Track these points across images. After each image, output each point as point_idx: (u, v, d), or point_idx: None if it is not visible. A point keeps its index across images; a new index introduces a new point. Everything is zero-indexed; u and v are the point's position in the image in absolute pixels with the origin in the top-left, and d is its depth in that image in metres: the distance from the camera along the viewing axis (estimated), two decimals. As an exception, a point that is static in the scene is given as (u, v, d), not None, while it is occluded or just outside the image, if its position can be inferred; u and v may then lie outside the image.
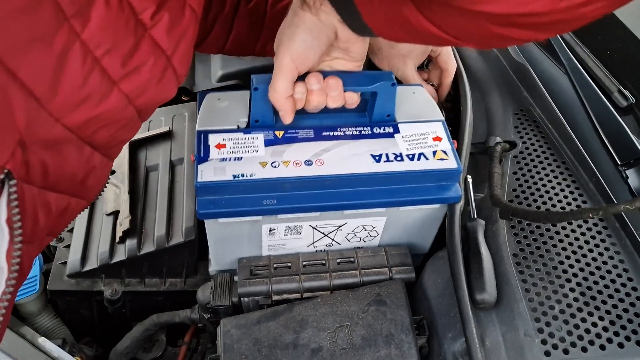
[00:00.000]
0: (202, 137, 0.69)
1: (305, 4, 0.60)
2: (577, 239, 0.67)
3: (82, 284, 0.79)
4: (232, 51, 0.84)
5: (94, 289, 0.79)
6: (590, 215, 0.55)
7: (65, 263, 0.79)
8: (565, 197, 0.71)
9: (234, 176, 0.65)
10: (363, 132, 0.72)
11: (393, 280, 0.71)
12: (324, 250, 0.76)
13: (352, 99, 0.68)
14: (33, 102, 0.39)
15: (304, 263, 0.73)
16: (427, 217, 0.73)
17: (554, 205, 0.71)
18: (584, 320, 0.60)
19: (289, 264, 0.73)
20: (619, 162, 0.71)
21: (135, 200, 0.82)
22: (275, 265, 0.73)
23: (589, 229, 0.68)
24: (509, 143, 0.79)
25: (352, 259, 0.74)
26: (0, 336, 0.45)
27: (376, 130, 0.72)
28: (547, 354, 0.58)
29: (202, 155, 0.67)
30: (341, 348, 0.64)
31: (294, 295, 0.71)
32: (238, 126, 0.71)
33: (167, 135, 0.90)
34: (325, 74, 0.66)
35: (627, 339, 0.59)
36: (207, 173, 0.65)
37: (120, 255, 0.78)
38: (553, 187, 0.73)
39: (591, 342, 0.59)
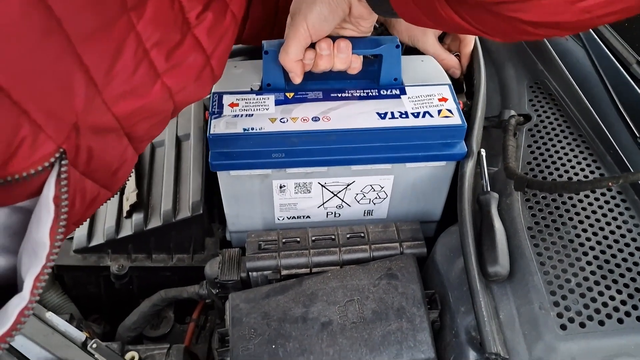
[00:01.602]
0: (217, 97, 0.73)
1: None
2: (594, 211, 0.65)
3: (88, 260, 0.78)
4: (249, 40, 0.84)
5: (101, 264, 0.78)
6: (610, 183, 0.53)
7: (71, 238, 0.78)
8: (582, 169, 0.70)
9: (244, 129, 0.68)
10: (370, 93, 0.74)
11: (404, 254, 0.69)
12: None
13: (356, 63, 0.70)
14: (92, 87, 0.41)
15: (313, 238, 0.72)
16: (435, 177, 0.73)
17: (570, 178, 0.69)
18: (601, 293, 0.59)
19: (298, 239, 0.72)
20: (638, 134, 0.69)
21: (142, 175, 0.81)
22: (284, 240, 0.72)
23: (607, 202, 0.66)
24: (524, 116, 0.77)
25: (362, 234, 0.72)
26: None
27: (383, 92, 0.74)
28: (563, 327, 0.56)
29: (216, 112, 0.71)
30: (352, 322, 0.63)
31: (303, 270, 0.70)
32: (251, 89, 0.74)
33: (173, 111, 0.88)
34: (334, 38, 0.68)
35: (646, 312, 0.57)
36: (219, 126, 0.69)
37: (127, 230, 0.77)
38: (569, 160, 0.71)
39: (608, 316, 0.57)
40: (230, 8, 0.49)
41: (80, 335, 0.68)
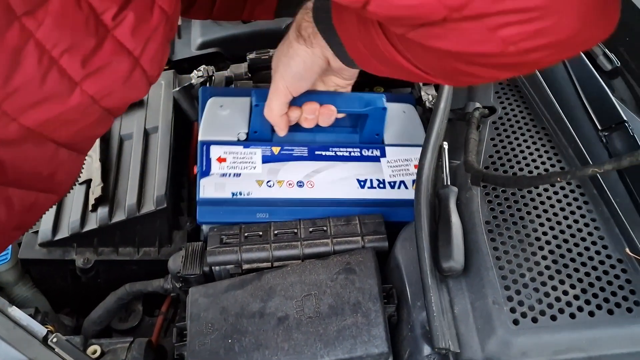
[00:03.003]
0: (205, 149, 0.76)
1: (301, 37, 0.65)
2: (552, 205, 0.65)
3: (54, 253, 0.78)
4: (219, 16, 0.84)
5: (66, 258, 0.78)
6: (559, 179, 0.52)
7: (37, 232, 0.78)
8: (543, 163, 0.69)
9: (233, 194, 0.73)
10: (353, 153, 0.80)
11: (364, 248, 0.69)
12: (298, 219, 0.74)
13: (341, 116, 0.76)
14: None
15: (276, 232, 0.72)
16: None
17: (530, 172, 0.68)
18: (554, 288, 0.58)
19: (260, 233, 0.72)
20: (600, 127, 0.68)
21: (108, 168, 0.81)
22: (246, 234, 0.72)
23: (565, 196, 0.66)
24: (489, 108, 0.76)
25: (324, 228, 0.72)
26: None
27: (364, 152, 0.80)
28: (516, 322, 0.56)
29: (205, 169, 0.74)
30: (308, 317, 0.63)
31: (265, 264, 0.70)
32: (238, 139, 0.77)
33: (141, 104, 0.88)
34: (320, 98, 0.73)
35: (599, 307, 0.57)
36: (208, 189, 0.72)
37: (92, 224, 0.77)
38: (531, 154, 0.70)
39: (561, 311, 0.57)
40: (158, 3, 0.47)
41: (42, 330, 0.68)
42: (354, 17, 0.56)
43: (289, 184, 0.75)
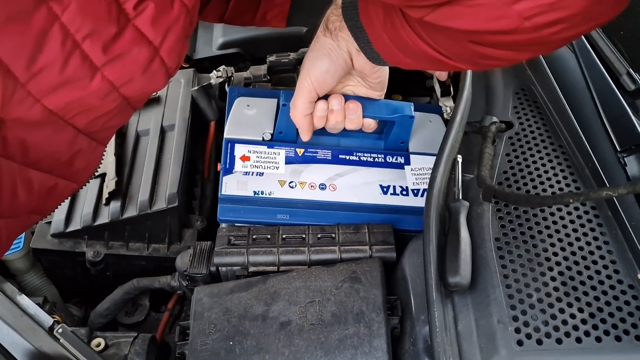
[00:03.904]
0: (229, 147, 0.76)
1: (327, 30, 0.66)
2: (564, 226, 0.63)
3: (65, 244, 0.79)
4: (231, 20, 0.84)
5: (77, 250, 0.79)
6: (571, 200, 0.51)
7: (49, 223, 0.79)
8: (558, 182, 0.68)
9: (255, 192, 0.73)
10: (377, 159, 0.79)
11: (371, 258, 0.69)
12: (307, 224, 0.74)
13: (370, 125, 0.75)
14: (10, 79, 0.40)
15: (284, 236, 0.72)
16: None
17: (544, 190, 0.67)
18: (562, 310, 0.57)
19: (268, 236, 0.72)
20: (619, 148, 0.67)
21: (123, 163, 0.82)
22: (254, 236, 0.72)
23: (579, 217, 0.64)
24: (506, 123, 0.75)
25: (332, 235, 0.72)
26: None
27: (389, 159, 0.79)
28: (520, 343, 0.55)
29: (228, 167, 0.74)
30: (310, 323, 0.63)
31: (271, 267, 0.70)
32: (263, 138, 0.77)
33: (159, 101, 0.89)
34: (347, 98, 0.72)
35: (606, 333, 0.56)
36: (230, 186, 0.73)
37: (104, 217, 0.78)
38: (546, 172, 0.69)
39: (567, 334, 0.56)
40: None
41: (48, 320, 0.69)
42: (380, 11, 0.56)
43: (311, 186, 0.75)
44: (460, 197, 0.67)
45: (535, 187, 0.68)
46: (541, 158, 0.71)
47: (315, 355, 0.60)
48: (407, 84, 1.01)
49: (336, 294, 0.65)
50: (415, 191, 0.77)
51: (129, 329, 0.84)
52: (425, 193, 0.68)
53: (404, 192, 0.76)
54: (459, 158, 0.70)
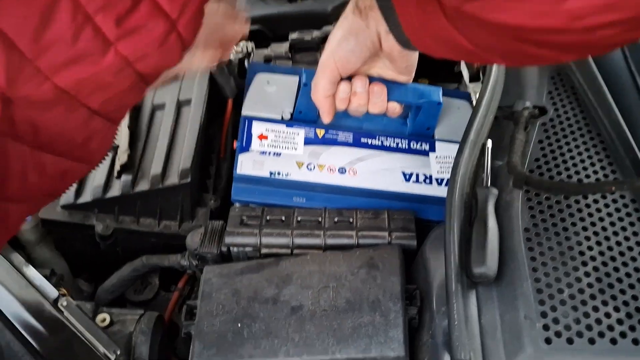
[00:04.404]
0: (247, 124, 0.73)
1: (357, 8, 0.63)
2: (601, 218, 0.59)
3: (74, 217, 0.77)
4: None
5: (86, 223, 0.77)
6: (613, 188, 0.47)
7: (60, 193, 0.77)
8: (595, 172, 0.63)
9: (271, 173, 0.70)
10: (400, 145, 0.75)
11: (390, 245, 0.65)
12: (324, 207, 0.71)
13: (395, 110, 0.70)
14: (16, 55, 0.37)
15: (299, 218, 0.69)
16: None
17: (580, 181, 0.63)
18: (595, 309, 0.53)
19: (282, 218, 0.69)
20: (664, 139, 0.62)
21: (137, 136, 0.80)
22: (268, 217, 0.69)
23: (617, 210, 0.59)
24: (539, 109, 0.70)
25: (350, 219, 0.69)
26: None
27: (413, 145, 0.75)
28: (548, 341, 0.51)
29: (244, 145, 0.71)
30: (322, 309, 0.59)
31: (284, 250, 0.67)
32: (282, 117, 0.74)
33: (177, 75, 0.86)
34: (372, 80, 0.68)
35: (644, 335, 0.51)
36: (246, 165, 0.70)
37: (115, 191, 0.75)
38: (582, 161, 0.64)
39: (601, 334, 0.51)
40: None
41: (53, 292, 0.67)
42: None
43: (330, 170, 0.71)
44: (489, 184, 0.63)
45: (569, 177, 0.63)
46: (577, 147, 0.66)
47: (327, 343, 0.57)
48: (435, 68, 0.97)
49: (351, 280, 0.61)
50: (439, 180, 0.73)
51: (137, 307, 0.82)
52: (450, 178, 0.64)
53: (427, 181, 0.73)
54: (489, 143, 0.66)
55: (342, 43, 0.64)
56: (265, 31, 0.98)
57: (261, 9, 0.98)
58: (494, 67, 0.74)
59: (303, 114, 0.74)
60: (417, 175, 0.73)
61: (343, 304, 0.59)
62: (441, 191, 0.71)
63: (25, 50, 0.37)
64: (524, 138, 0.66)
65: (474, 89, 0.82)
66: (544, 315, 0.53)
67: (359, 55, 0.65)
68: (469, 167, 0.64)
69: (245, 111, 0.74)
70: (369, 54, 0.66)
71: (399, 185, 0.71)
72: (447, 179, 0.72)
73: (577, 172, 0.63)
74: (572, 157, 0.65)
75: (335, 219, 0.69)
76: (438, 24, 0.49)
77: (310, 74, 0.70)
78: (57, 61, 0.39)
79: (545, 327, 0.52)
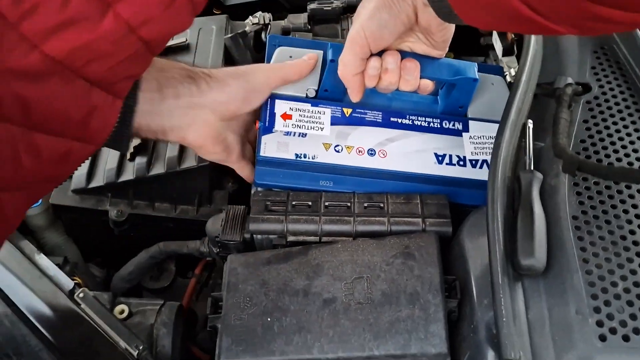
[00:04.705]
0: (268, 103, 0.68)
1: None
2: (656, 205, 0.55)
3: (87, 202, 0.73)
4: None
5: (99, 208, 0.73)
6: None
7: (70, 177, 0.73)
8: (646, 154, 0.59)
9: (297, 155, 0.66)
10: (432, 124, 0.71)
11: (426, 232, 0.62)
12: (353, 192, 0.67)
13: (427, 87, 0.67)
14: None
15: (327, 204, 0.65)
16: None
17: (630, 164, 0.59)
18: (653, 303, 0.50)
19: (309, 203, 0.65)
20: None
21: (149, 116, 0.75)
22: (293, 202, 0.65)
23: (673, 196, 0.56)
24: (582, 85, 0.66)
25: (381, 204, 0.65)
26: None
27: (445, 124, 0.71)
28: (602, 338, 0.48)
29: (267, 125, 0.67)
30: (357, 302, 0.56)
31: (312, 237, 0.63)
32: (307, 95, 0.70)
33: (189, 48, 0.81)
34: (404, 55, 0.64)
35: None
36: (270, 147, 0.66)
37: (129, 174, 0.71)
38: (632, 142, 0.60)
39: (659, 331, 0.48)
40: None
41: (69, 282, 0.64)
42: None
43: (359, 151, 0.67)
44: (532, 167, 0.59)
45: (619, 160, 0.59)
46: (626, 127, 0.62)
47: (364, 338, 0.54)
48: (457, 41, 0.92)
49: (387, 271, 0.58)
50: (474, 162, 0.68)
51: (153, 294, 0.79)
52: (489, 162, 0.59)
53: (461, 162, 0.68)
54: (530, 123, 0.62)
55: (375, 16, 0.60)
56: (282, 1, 0.93)
57: (277, -24, 0.93)
58: (532, 39, 0.69)
59: (329, 92, 0.69)
60: (450, 157, 0.68)
61: (379, 296, 0.56)
62: (475, 173, 0.67)
63: (6, 13, 0.32)
64: (569, 117, 0.62)
65: (507, 63, 0.76)
66: (597, 310, 0.50)
67: (392, 30, 0.61)
68: (510, 149, 0.60)
69: None
70: (403, 29, 0.61)
71: (431, 168, 0.67)
72: (482, 161, 0.68)
73: (626, 155, 0.59)
74: (620, 138, 0.61)
75: (365, 204, 0.65)
76: None
77: (337, 48, 0.66)
78: (45, 26, 0.34)
79: (599, 324, 0.49)
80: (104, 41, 0.36)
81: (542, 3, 0.42)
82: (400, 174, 0.66)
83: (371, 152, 0.67)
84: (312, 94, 0.70)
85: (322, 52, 0.71)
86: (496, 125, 0.65)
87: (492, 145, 0.65)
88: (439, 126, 0.71)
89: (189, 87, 0.60)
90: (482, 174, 0.67)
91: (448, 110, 0.72)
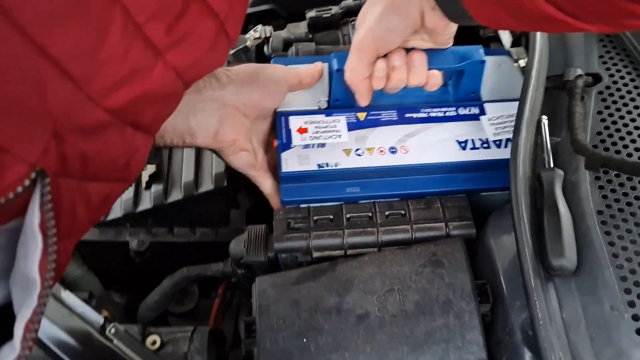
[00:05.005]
0: (283, 121, 0.68)
1: None
2: (678, 194, 0.56)
3: (106, 234, 0.73)
4: None
5: (119, 240, 0.73)
6: None
7: (88, 211, 0.73)
8: (665, 143, 0.59)
9: (319, 165, 0.65)
10: (448, 113, 0.71)
11: (451, 237, 0.62)
12: (372, 201, 0.67)
13: (436, 79, 0.66)
14: (68, 83, 0.32)
15: (348, 216, 0.65)
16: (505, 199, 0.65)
17: (651, 153, 0.59)
18: (687, 293, 0.50)
19: (331, 217, 0.65)
20: None
21: (160, 142, 0.74)
22: (315, 218, 0.65)
23: (694, 182, 0.56)
24: (592, 76, 0.66)
25: (402, 212, 0.65)
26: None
27: (461, 111, 0.71)
28: None
29: (285, 141, 0.67)
30: (391, 315, 0.56)
31: (337, 252, 0.63)
32: (319, 107, 0.70)
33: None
34: (409, 50, 0.64)
35: None
36: (291, 162, 0.65)
37: (146, 203, 0.71)
38: (649, 131, 0.60)
39: (696, 320, 0.49)
40: None
41: (98, 319, 0.64)
42: None
43: (380, 151, 0.67)
44: (552, 165, 0.59)
45: (638, 149, 0.59)
46: (640, 115, 0.62)
47: (401, 352, 0.54)
48: (456, 34, 0.91)
49: (417, 281, 0.58)
50: (498, 142, 0.68)
51: (179, 318, 0.79)
52: (510, 163, 0.59)
53: (485, 145, 0.68)
54: (544, 119, 0.62)
55: (382, 21, 0.60)
56: (278, 10, 0.92)
57: (272, -14, 0.92)
58: (537, 32, 0.69)
59: (340, 101, 0.69)
60: (473, 142, 0.68)
61: (412, 307, 0.56)
62: (502, 153, 0.67)
63: (78, 77, 0.32)
64: (583, 110, 0.62)
65: (517, 54, 0.76)
66: (631, 304, 0.50)
67: (400, 34, 0.61)
68: (528, 147, 0.60)
69: (280, 107, 0.69)
70: (410, 32, 0.62)
71: (456, 155, 0.67)
72: (506, 139, 0.67)
73: (645, 144, 0.59)
74: (637, 127, 0.61)
75: (387, 213, 0.65)
76: None
77: (342, 57, 0.66)
78: (109, 83, 0.34)
79: (635, 318, 0.49)
80: (154, 90, 0.37)
81: (576, 6, 0.41)
82: (425, 166, 0.66)
83: (392, 150, 0.67)
84: (324, 105, 0.70)
85: (326, 64, 0.70)
86: (513, 104, 0.66)
87: (512, 123, 0.66)
88: (455, 114, 0.70)
89: (209, 81, 0.60)
90: (507, 153, 0.65)
91: (461, 98, 0.72)
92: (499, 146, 0.67)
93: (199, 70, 0.40)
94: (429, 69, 0.65)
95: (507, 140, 0.67)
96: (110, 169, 0.39)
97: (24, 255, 0.34)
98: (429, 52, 0.65)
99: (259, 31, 0.80)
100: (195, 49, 0.38)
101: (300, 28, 0.84)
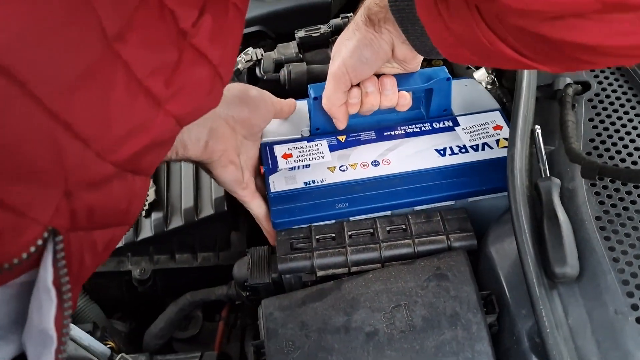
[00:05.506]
0: (268, 149, 0.71)
1: (370, 21, 0.63)
2: (673, 196, 0.57)
3: (108, 264, 0.73)
4: None
5: (121, 269, 0.73)
6: None
7: (88, 242, 0.72)
8: (656, 147, 0.61)
9: (305, 183, 0.68)
10: (423, 128, 0.74)
11: (453, 249, 0.63)
12: (372, 217, 0.67)
13: (405, 100, 0.70)
14: (79, 143, 0.33)
15: (350, 233, 0.65)
16: (496, 207, 0.67)
17: (644, 158, 0.60)
18: (689, 294, 0.51)
19: (333, 235, 0.65)
20: None
21: (159, 169, 0.75)
22: (317, 237, 0.65)
23: (687, 184, 0.57)
24: (582, 84, 0.68)
25: (403, 226, 0.65)
26: None
27: (436, 125, 0.74)
28: (644, 334, 0.50)
29: (271, 167, 0.69)
30: (400, 331, 0.57)
31: (341, 270, 0.64)
32: (302, 135, 0.74)
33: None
34: (378, 76, 0.68)
35: None
36: (279, 183, 0.68)
37: (147, 231, 0.71)
38: (640, 135, 0.62)
39: (699, 321, 0.50)
40: (232, 0, 0.40)
41: (105, 350, 0.64)
42: (444, 5, 0.48)
43: (363, 165, 0.69)
44: (548, 174, 0.60)
45: (630, 155, 0.61)
46: (631, 120, 0.63)
47: (412, 367, 0.55)
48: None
49: (423, 295, 0.59)
50: (475, 146, 0.71)
51: (184, 344, 0.79)
52: (508, 174, 0.60)
53: (463, 150, 0.71)
54: (538, 129, 0.63)
55: (355, 54, 0.64)
56: (266, 31, 0.93)
57: (259, 8, 0.93)
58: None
59: (321, 129, 0.73)
60: (452, 148, 0.71)
61: (420, 322, 0.57)
62: (480, 155, 0.70)
63: (85, 137, 0.33)
64: (574, 119, 0.63)
65: (479, 78, 0.80)
66: (634, 307, 0.51)
67: (372, 65, 0.65)
68: (524, 158, 0.61)
69: (263, 138, 0.73)
70: (381, 63, 0.66)
71: (437, 161, 0.69)
72: (482, 144, 0.71)
73: (637, 149, 0.61)
74: (628, 133, 0.62)
75: (388, 228, 0.65)
76: (480, 35, 0.45)
77: (318, 87, 0.70)
78: (115, 140, 0.35)
79: (639, 320, 0.50)
80: (156, 138, 0.37)
81: (533, 52, 0.43)
82: (408, 174, 0.68)
83: (375, 163, 0.69)
84: (306, 133, 0.73)
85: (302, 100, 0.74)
86: (484, 114, 0.72)
87: (486, 130, 0.72)
88: (430, 128, 0.74)
89: None
90: (486, 155, 0.69)
91: (434, 117, 0.75)
92: (476, 150, 0.70)
93: (196, 114, 0.41)
94: (399, 90, 0.69)
95: (484, 144, 0.71)
96: (113, 215, 0.40)
97: (38, 310, 0.35)
98: (397, 75, 0.69)
99: (250, 54, 0.81)
100: (193, 98, 0.39)
101: (290, 48, 0.85)
